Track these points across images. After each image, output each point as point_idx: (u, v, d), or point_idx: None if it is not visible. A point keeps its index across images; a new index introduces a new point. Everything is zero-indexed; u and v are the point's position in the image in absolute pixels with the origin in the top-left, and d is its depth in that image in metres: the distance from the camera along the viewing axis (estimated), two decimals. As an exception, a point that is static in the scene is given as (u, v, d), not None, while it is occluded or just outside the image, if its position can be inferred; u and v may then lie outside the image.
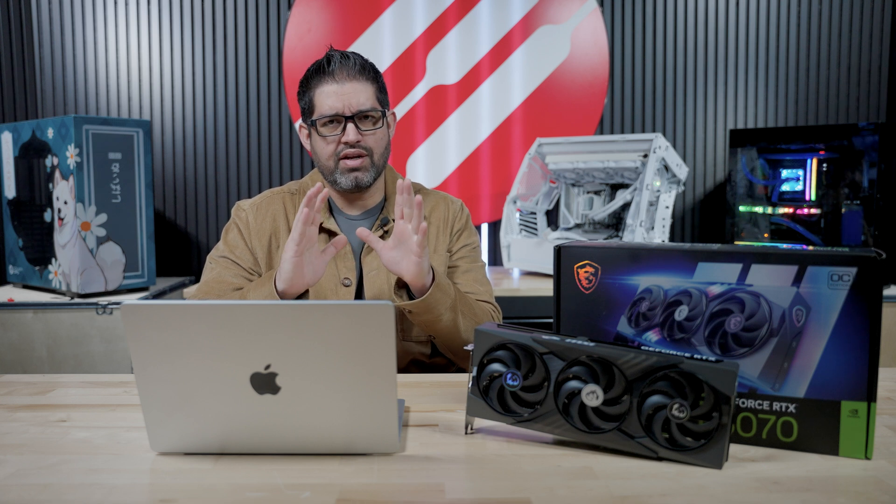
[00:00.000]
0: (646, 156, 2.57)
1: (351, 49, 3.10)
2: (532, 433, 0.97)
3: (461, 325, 1.30)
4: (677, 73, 3.19)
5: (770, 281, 0.91)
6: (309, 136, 1.44)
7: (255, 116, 3.13)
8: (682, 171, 2.59)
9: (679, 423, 0.86)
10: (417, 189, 1.53)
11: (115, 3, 3.06)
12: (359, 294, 1.41)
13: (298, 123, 1.46)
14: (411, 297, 1.28)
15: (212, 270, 1.41)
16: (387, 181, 1.49)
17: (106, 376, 1.29)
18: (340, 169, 1.38)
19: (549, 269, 2.76)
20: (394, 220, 1.44)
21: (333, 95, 1.35)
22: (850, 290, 0.87)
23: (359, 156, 1.37)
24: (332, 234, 1.42)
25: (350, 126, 1.35)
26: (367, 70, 1.38)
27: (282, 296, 1.22)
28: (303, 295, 1.26)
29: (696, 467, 0.85)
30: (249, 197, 3.14)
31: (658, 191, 2.55)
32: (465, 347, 0.99)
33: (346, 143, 1.36)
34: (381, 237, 1.42)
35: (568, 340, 0.91)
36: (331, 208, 1.45)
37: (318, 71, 1.37)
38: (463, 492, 0.79)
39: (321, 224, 1.41)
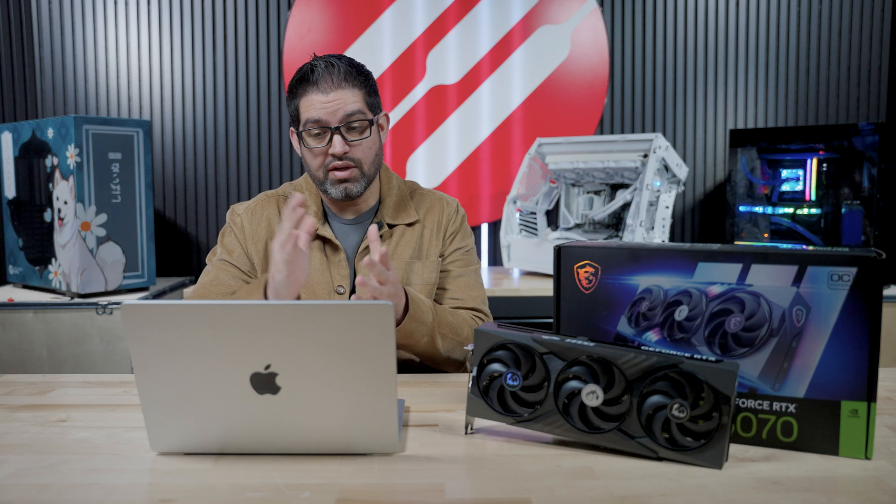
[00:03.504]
0: (646, 156, 2.57)
1: (350, 49, 3.10)
2: (532, 433, 0.97)
3: (441, 346, 1.30)
4: (677, 73, 3.19)
5: (770, 281, 0.91)
6: (300, 142, 1.41)
7: (255, 116, 3.13)
8: (682, 171, 2.59)
9: (679, 423, 0.86)
10: (413, 189, 1.50)
11: (115, 3, 3.06)
12: None
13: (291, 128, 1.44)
14: None
15: (208, 273, 1.40)
16: (381, 183, 1.47)
17: (106, 376, 1.29)
18: (330, 180, 1.35)
19: (549, 269, 2.76)
20: (388, 225, 1.42)
21: (318, 105, 1.30)
22: (850, 290, 0.87)
23: (347, 167, 1.33)
24: (326, 241, 1.40)
25: (337, 138, 1.31)
26: (353, 75, 1.33)
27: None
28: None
29: (696, 467, 0.85)
30: (249, 198, 3.15)
31: (658, 191, 2.55)
32: (465, 348, 0.99)
33: (333, 156, 1.32)
34: None
35: (568, 340, 0.91)
36: (325, 214, 1.43)
37: (303, 80, 1.32)
38: (463, 492, 0.79)
39: (316, 231, 1.38)
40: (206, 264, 1.44)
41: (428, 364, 1.38)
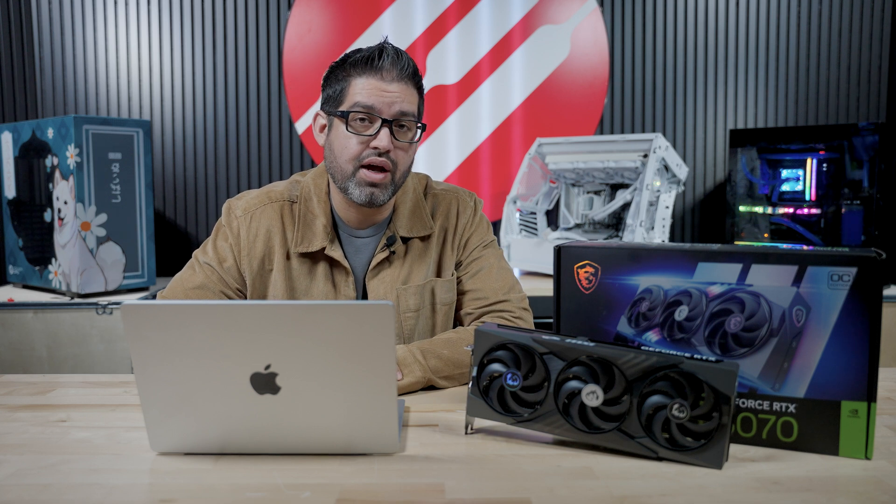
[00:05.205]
0: (646, 156, 2.57)
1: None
2: (532, 433, 0.97)
3: (449, 385, 1.20)
4: (677, 73, 3.19)
5: (770, 281, 0.91)
6: (325, 128, 1.26)
7: (255, 116, 3.13)
8: (682, 171, 2.59)
9: (679, 423, 0.86)
10: (426, 185, 1.39)
11: (115, 3, 3.06)
12: None
13: (315, 112, 1.28)
14: None
15: (194, 275, 1.29)
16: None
17: (106, 376, 1.29)
18: (358, 179, 1.20)
19: (549, 269, 2.76)
20: (401, 239, 1.30)
21: (376, 91, 1.18)
22: (850, 290, 0.87)
23: (383, 169, 1.20)
24: (333, 262, 1.27)
25: (385, 131, 1.18)
26: (416, 76, 1.23)
27: None
28: None
29: (696, 467, 0.85)
30: (249, 197, 3.14)
31: (658, 191, 2.55)
32: (465, 348, 0.99)
33: (374, 148, 1.19)
34: (387, 258, 1.29)
35: (568, 340, 0.91)
36: (335, 226, 1.29)
37: (365, 62, 1.20)
38: (463, 492, 0.79)
39: (322, 250, 1.26)
40: (193, 259, 1.31)
41: None
